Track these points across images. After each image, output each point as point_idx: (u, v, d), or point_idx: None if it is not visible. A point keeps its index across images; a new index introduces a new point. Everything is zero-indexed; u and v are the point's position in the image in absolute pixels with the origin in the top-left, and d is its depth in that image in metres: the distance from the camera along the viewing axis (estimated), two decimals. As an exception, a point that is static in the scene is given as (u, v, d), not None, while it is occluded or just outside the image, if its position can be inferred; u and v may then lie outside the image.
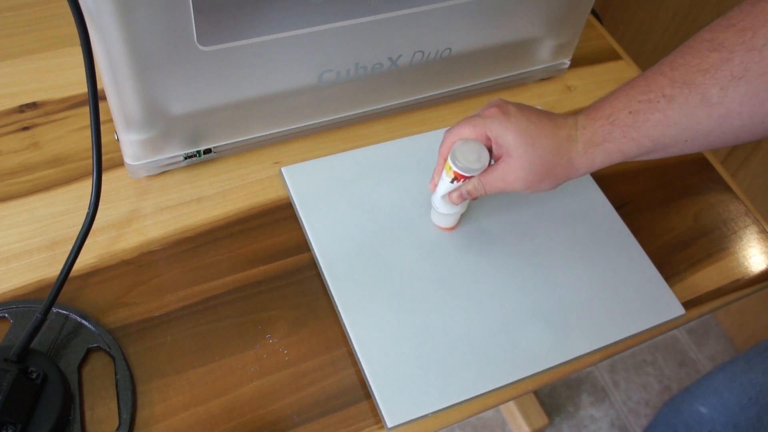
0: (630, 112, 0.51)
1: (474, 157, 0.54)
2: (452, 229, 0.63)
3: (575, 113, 0.55)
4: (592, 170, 0.54)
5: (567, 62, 0.79)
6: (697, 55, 0.48)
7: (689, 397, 0.83)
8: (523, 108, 0.55)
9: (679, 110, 0.49)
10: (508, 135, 0.53)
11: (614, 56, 0.84)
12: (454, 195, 0.58)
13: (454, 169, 0.55)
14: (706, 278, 0.66)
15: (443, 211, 0.60)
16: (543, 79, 0.80)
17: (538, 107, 0.56)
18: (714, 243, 0.69)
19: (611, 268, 0.63)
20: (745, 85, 0.46)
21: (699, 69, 0.48)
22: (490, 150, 0.55)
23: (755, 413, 0.72)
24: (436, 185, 0.59)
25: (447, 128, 0.58)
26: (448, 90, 0.73)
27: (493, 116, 0.54)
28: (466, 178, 0.55)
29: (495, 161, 0.55)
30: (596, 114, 0.53)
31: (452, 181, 0.56)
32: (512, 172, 0.54)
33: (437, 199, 0.60)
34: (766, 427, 0.71)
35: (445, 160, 0.57)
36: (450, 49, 0.67)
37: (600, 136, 0.52)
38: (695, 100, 0.48)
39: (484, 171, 0.55)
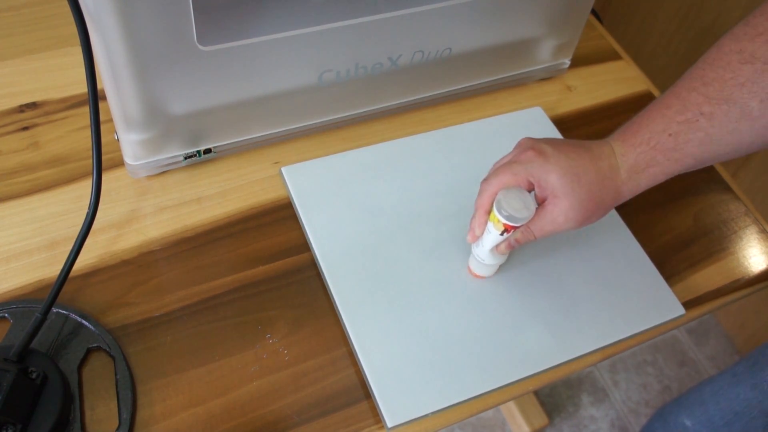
0: (670, 135, 0.50)
1: (520, 205, 0.52)
2: (491, 277, 0.60)
3: (606, 138, 0.54)
4: (637, 193, 0.53)
5: (567, 62, 0.79)
6: (728, 69, 0.47)
7: (677, 408, 0.83)
8: (557, 144, 0.53)
9: (721, 127, 0.48)
10: (551, 177, 0.51)
11: (614, 56, 0.84)
12: (503, 246, 0.55)
13: (504, 221, 0.52)
14: (706, 278, 0.66)
15: (489, 262, 0.58)
16: (543, 79, 0.80)
17: (564, 138, 0.55)
18: (714, 243, 0.69)
19: (611, 268, 0.63)
20: None
21: (735, 83, 0.47)
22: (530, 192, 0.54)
23: (740, 428, 0.72)
24: (476, 237, 0.56)
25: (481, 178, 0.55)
26: (448, 90, 0.73)
27: (531, 160, 0.52)
28: (516, 228, 0.53)
29: (540, 204, 0.53)
30: (634, 140, 0.51)
31: (501, 234, 0.54)
32: (562, 214, 0.52)
33: (484, 252, 0.57)
34: None
35: (487, 212, 0.54)
36: (450, 49, 0.67)
37: (643, 162, 0.51)
38: (735, 116, 0.47)
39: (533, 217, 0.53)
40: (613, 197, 0.53)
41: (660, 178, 0.52)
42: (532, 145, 0.53)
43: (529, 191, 0.53)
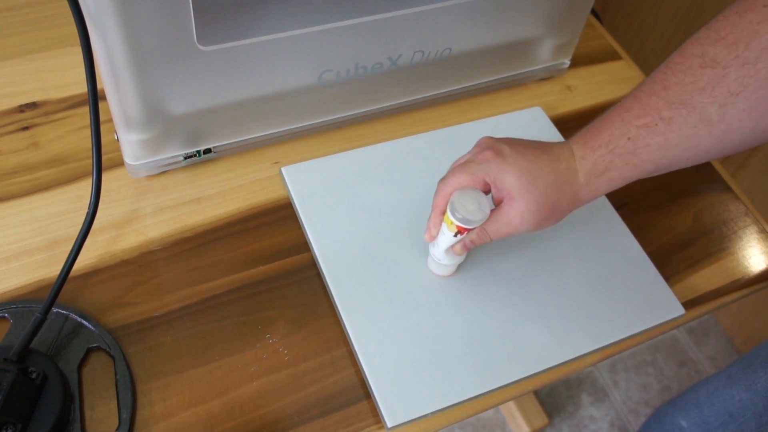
0: (629, 139, 0.49)
1: (474, 207, 0.51)
2: (450, 275, 0.60)
3: (567, 140, 0.53)
4: (596, 198, 0.52)
5: (567, 62, 0.79)
6: (689, 73, 0.47)
7: (673, 409, 0.83)
8: (515, 145, 0.52)
9: (679, 132, 0.47)
10: (508, 177, 0.50)
11: (614, 56, 0.84)
12: (458, 247, 0.55)
13: (456, 223, 0.51)
14: (706, 278, 0.66)
15: (446, 262, 0.57)
16: (543, 79, 0.80)
17: (525, 139, 0.54)
18: (714, 243, 0.69)
19: (611, 268, 0.63)
20: (744, 101, 0.45)
21: (694, 87, 0.46)
22: (487, 194, 0.53)
23: (734, 429, 0.72)
24: (433, 237, 0.56)
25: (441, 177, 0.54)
26: (448, 90, 0.73)
27: (488, 160, 0.51)
28: (469, 230, 0.52)
29: (496, 205, 0.53)
30: (593, 143, 0.51)
31: (455, 235, 0.53)
32: (518, 216, 0.51)
33: (439, 252, 0.56)
34: None
35: (442, 212, 0.53)
36: (450, 49, 0.67)
37: (601, 166, 0.50)
38: (694, 120, 0.47)
39: (488, 218, 0.52)
40: (571, 201, 0.52)
41: (618, 183, 0.51)
42: (490, 145, 0.52)
43: (486, 192, 0.53)
